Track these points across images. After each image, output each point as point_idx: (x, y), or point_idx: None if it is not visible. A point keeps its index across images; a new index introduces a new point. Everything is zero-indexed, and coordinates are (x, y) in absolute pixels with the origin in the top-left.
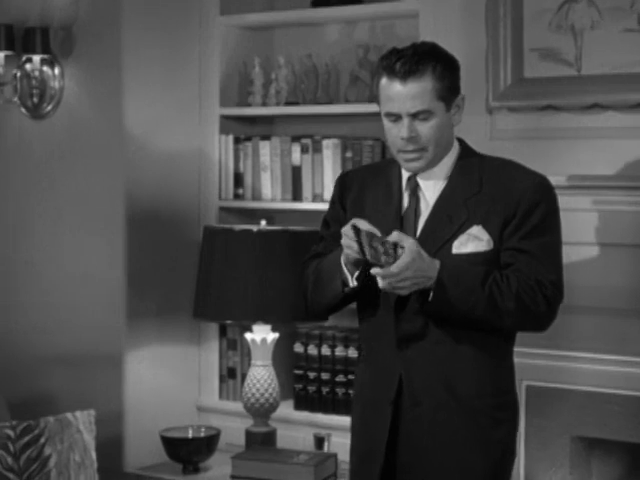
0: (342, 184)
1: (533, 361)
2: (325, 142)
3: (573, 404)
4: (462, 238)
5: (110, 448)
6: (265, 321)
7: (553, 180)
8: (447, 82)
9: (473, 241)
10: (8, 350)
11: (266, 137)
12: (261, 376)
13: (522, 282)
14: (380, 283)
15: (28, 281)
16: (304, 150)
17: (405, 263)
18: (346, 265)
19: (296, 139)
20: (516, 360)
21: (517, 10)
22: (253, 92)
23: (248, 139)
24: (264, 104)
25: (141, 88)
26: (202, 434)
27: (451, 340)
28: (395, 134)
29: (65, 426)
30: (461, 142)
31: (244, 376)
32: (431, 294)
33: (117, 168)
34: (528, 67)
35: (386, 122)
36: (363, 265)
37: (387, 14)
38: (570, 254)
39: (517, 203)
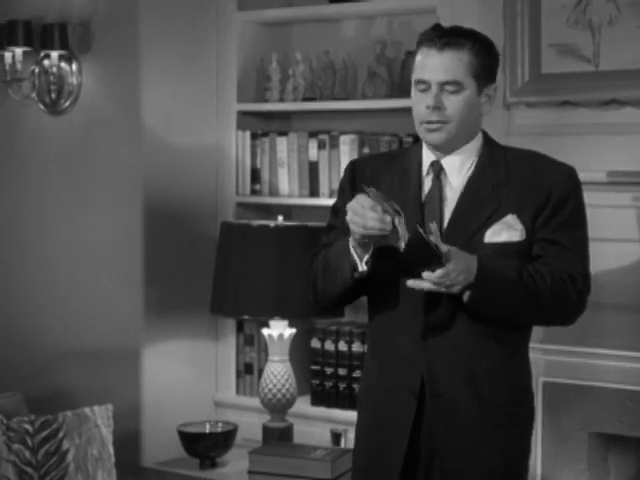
0: (352, 170)
1: (550, 357)
2: (342, 138)
3: (590, 401)
4: (496, 227)
5: (127, 443)
6: (282, 317)
7: None
8: (483, 62)
9: (507, 230)
10: (26, 345)
11: (283, 133)
12: (278, 372)
13: (556, 275)
14: (426, 285)
15: (46, 277)
16: (321, 146)
17: (456, 260)
18: (355, 249)
19: (313, 135)
20: (533, 356)
21: (535, 6)
22: (270, 88)
23: (265, 135)
24: (281, 100)
25: (158, 84)
26: (219, 429)
27: (475, 333)
28: (420, 103)
29: (83, 421)
30: (485, 133)
31: (261, 371)
32: (467, 294)
33: (135, 164)
34: (546, 63)
35: (414, 92)
36: (373, 248)
37: (404, 10)
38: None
39: (548, 194)
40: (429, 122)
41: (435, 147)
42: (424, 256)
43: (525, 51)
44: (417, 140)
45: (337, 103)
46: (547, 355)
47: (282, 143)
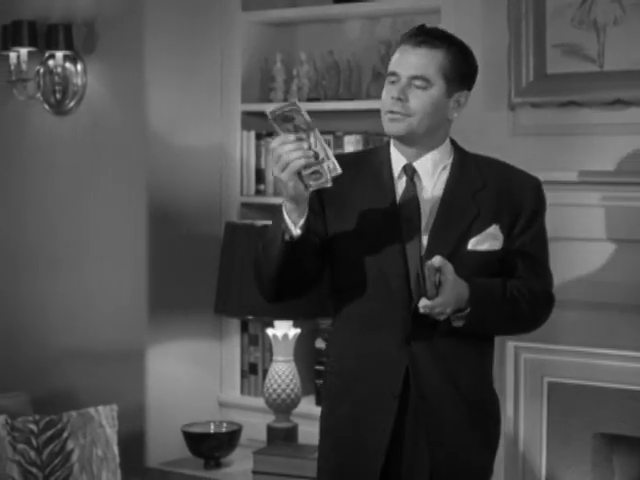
0: None
1: (555, 357)
2: (347, 138)
3: (595, 401)
4: (480, 236)
5: (132, 443)
6: (286, 317)
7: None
8: (456, 66)
9: (490, 240)
10: (31, 345)
11: None
12: (282, 372)
13: (533, 294)
14: (422, 310)
15: (50, 277)
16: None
17: (449, 292)
18: (289, 214)
19: None
20: (538, 357)
21: (539, 6)
22: (275, 88)
23: (270, 135)
24: (285, 100)
25: (163, 84)
26: (224, 429)
27: (455, 335)
28: (387, 94)
29: (87, 421)
30: (453, 141)
31: (265, 372)
32: (457, 322)
33: (139, 164)
34: (550, 63)
35: (385, 86)
36: (308, 212)
37: (409, 10)
38: (593, 251)
39: (520, 204)
40: (392, 112)
41: (400, 141)
42: (422, 286)
43: (530, 51)
44: None
45: (342, 103)
46: (551, 355)
47: None
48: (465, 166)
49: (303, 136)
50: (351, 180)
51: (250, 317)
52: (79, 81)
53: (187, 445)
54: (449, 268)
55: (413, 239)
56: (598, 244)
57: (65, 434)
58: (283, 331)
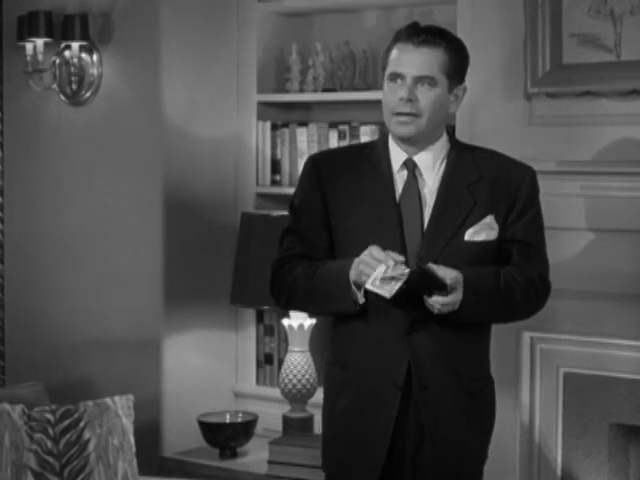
0: (317, 168)
1: (571, 348)
2: (362, 128)
3: (611, 391)
4: (477, 227)
5: (148, 433)
6: None
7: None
8: (456, 64)
9: (486, 230)
10: (47, 336)
11: (303, 123)
12: (298, 362)
13: (529, 281)
14: (434, 306)
15: (66, 267)
16: (341, 136)
17: (457, 297)
18: (354, 283)
19: (333, 125)
20: (554, 347)
21: None
22: (290, 78)
23: (285, 125)
24: (301, 90)
25: (179, 75)
26: (239, 419)
27: (454, 325)
28: (393, 94)
29: (104, 411)
30: (448, 132)
31: (281, 362)
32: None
33: (155, 154)
34: (567, 53)
35: (387, 85)
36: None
37: (425, 0)
38: (622, 241)
39: (515, 194)
40: (401, 114)
41: (403, 140)
42: (429, 285)
43: (546, 41)
44: None
45: (357, 94)
46: (568, 346)
47: (302, 134)
48: (461, 158)
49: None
50: (349, 173)
51: (266, 307)
52: (95, 72)
53: (203, 435)
54: (454, 275)
55: (415, 233)
56: (621, 234)
57: (82, 424)
58: (299, 321)
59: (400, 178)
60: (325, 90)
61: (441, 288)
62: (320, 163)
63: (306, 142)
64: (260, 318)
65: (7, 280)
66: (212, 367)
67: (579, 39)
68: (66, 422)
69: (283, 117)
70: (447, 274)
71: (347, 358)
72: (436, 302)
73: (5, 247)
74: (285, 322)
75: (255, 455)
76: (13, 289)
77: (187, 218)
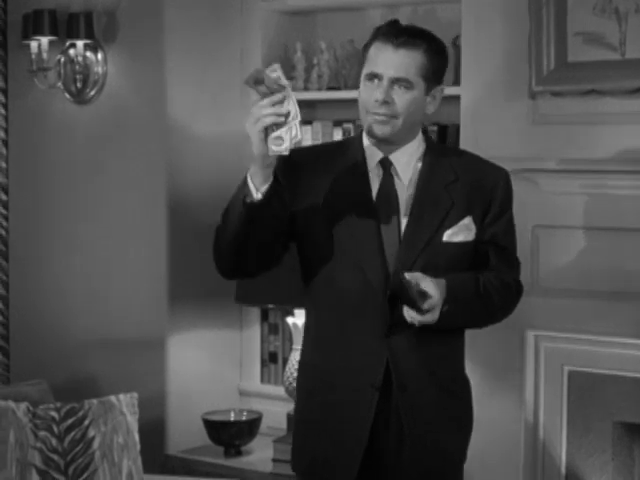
0: (287, 160)
1: (575, 347)
2: None
3: (616, 390)
4: (455, 228)
5: (153, 431)
6: None
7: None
8: (435, 66)
9: (464, 231)
10: (52, 334)
11: (308, 122)
12: None
13: (505, 286)
14: (413, 322)
15: (71, 265)
16: (346, 134)
17: (433, 317)
18: (252, 177)
19: (338, 124)
20: (558, 346)
21: None
22: (295, 77)
23: None
24: (306, 89)
25: (183, 73)
26: (244, 418)
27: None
28: (369, 95)
29: (108, 408)
30: (424, 131)
31: (285, 360)
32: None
33: (159, 152)
34: (572, 51)
35: (364, 83)
36: (274, 178)
37: None
38: (607, 239)
39: (491, 195)
40: (377, 113)
41: (379, 140)
42: (408, 297)
43: (551, 40)
44: (441, 129)
45: None
46: (572, 344)
47: (307, 132)
48: (437, 158)
49: (280, 96)
50: (324, 172)
51: (270, 306)
52: (100, 70)
53: (207, 433)
54: (425, 279)
55: (392, 233)
56: (626, 233)
57: (86, 422)
58: (303, 320)
59: (376, 177)
60: (329, 88)
61: (421, 298)
62: (292, 159)
63: (311, 140)
64: (265, 316)
65: (12, 278)
66: (217, 365)
67: (584, 37)
68: (71, 420)
69: None
70: (430, 289)
71: (322, 358)
72: (413, 318)
73: (10, 245)
74: (290, 320)
75: (260, 453)
76: (18, 287)
77: (191, 216)
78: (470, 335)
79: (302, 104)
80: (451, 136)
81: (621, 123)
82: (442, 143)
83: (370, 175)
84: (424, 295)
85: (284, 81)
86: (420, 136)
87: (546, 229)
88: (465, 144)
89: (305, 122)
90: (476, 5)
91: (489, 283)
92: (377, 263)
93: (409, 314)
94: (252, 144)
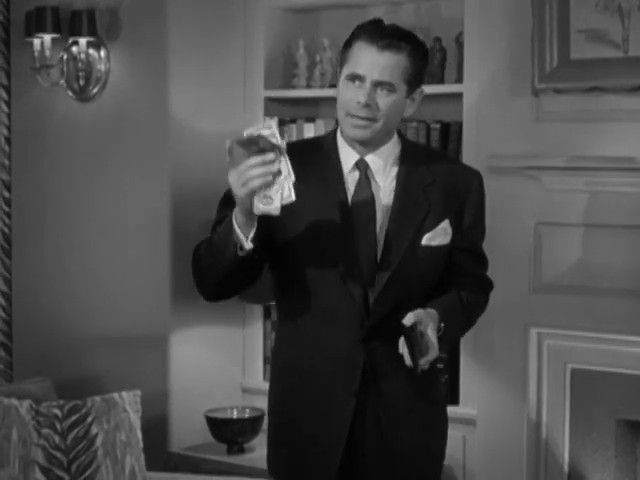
0: None
1: (578, 344)
2: None
3: (619, 387)
4: (434, 232)
5: (155, 428)
6: None
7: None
8: (417, 69)
9: (441, 235)
10: (55, 331)
11: (310, 119)
12: None
13: (482, 293)
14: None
15: (74, 263)
16: None
17: (435, 339)
18: (239, 227)
19: None
20: (561, 343)
21: None
22: (297, 74)
23: (292, 121)
24: (308, 86)
25: (186, 71)
26: (246, 415)
27: None
28: (351, 96)
29: (111, 406)
30: (399, 132)
31: None
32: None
33: (162, 150)
34: (574, 49)
35: (344, 83)
36: (258, 224)
37: None
38: (611, 236)
39: (465, 198)
40: (356, 117)
41: (357, 142)
42: (412, 349)
43: (554, 37)
44: (444, 126)
45: None
46: (575, 342)
47: (310, 129)
48: (413, 159)
49: (272, 156)
50: (299, 174)
51: (273, 303)
52: (102, 67)
53: (210, 430)
54: (421, 315)
55: (367, 237)
56: (629, 230)
57: (89, 419)
58: None
59: (351, 179)
60: (332, 86)
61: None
62: None
63: None
64: (267, 314)
65: (15, 276)
66: (219, 363)
67: (587, 35)
68: (74, 417)
69: (290, 113)
70: (431, 344)
71: (297, 363)
72: (425, 364)
73: (13, 242)
74: None
75: (262, 451)
76: (21, 285)
77: (194, 214)
78: (473, 333)
79: (305, 102)
80: (454, 134)
81: (624, 120)
82: (416, 142)
83: (345, 177)
84: (426, 345)
85: (279, 140)
86: (396, 137)
87: (549, 226)
88: (468, 142)
89: (307, 119)
90: (479, 2)
91: (470, 295)
92: (353, 267)
93: (409, 361)
94: (237, 201)
